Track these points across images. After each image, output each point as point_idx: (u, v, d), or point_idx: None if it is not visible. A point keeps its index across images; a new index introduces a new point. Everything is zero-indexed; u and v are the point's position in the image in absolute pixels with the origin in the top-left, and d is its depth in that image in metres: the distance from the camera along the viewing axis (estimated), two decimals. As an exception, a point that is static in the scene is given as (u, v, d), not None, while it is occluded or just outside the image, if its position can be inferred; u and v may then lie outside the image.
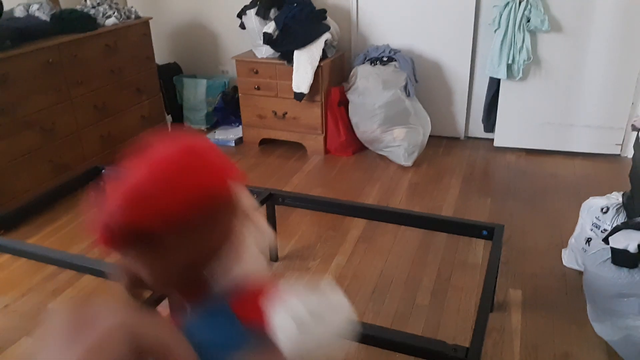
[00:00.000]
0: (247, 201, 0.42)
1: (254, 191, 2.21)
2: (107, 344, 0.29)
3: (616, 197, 2.23)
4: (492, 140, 3.54)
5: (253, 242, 0.42)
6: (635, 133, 2.36)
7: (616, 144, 3.32)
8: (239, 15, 3.53)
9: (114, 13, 3.36)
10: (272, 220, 2.24)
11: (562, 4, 3.10)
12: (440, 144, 3.62)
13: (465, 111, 3.63)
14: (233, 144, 3.68)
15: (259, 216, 0.46)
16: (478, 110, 3.60)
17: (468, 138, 3.73)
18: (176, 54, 4.20)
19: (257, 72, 3.48)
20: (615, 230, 1.91)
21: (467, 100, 3.60)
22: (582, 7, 3.08)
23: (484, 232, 1.97)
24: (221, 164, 0.41)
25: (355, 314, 0.45)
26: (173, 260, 0.36)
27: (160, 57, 4.12)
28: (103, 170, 2.51)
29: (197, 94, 3.94)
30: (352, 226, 2.58)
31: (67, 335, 0.29)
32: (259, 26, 3.44)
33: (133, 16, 3.47)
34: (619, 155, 3.34)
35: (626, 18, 3.05)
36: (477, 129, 3.67)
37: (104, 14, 3.30)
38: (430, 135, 3.46)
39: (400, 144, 3.29)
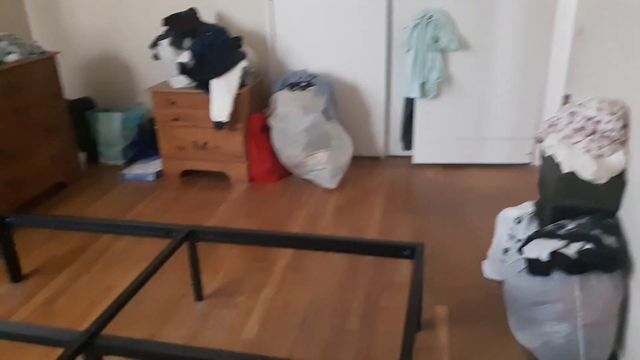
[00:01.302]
0: None
1: (173, 229, 2.13)
2: None
3: (528, 207, 2.33)
4: (411, 157, 3.64)
5: None
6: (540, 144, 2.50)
7: (526, 154, 3.51)
8: (152, 46, 3.45)
9: (15, 49, 3.19)
10: (194, 258, 2.16)
11: (467, 23, 3.26)
12: (363, 164, 3.67)
13: (384, 131, 3.71)
14: (152, 178, 3.55)
15: None
16: (396, 129, 3.70)
17: (388, 157, 3.81)
18: (88, 87, 4.03)
19: (174, 103, 3.40)
20: (528, 240, 2.00)
21: (385, 120, 3.69)
22: (486, 26, 3.25)
23: (406, 252, 1.99)
24: None
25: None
26: None
27: (72, 91, 3.94)
28: (8, 219, 2.34)
29: (112, 128, 3.79)
30: (279, 256, 2.54)
31: None
32: (173, 56, 3.37)
33: (37, 52, 3.29)
34: (530, 164, 3.52)
35: (526, 35, 3.25)
36: (396, 148, 3.77)
37: (4, 51, 3.12)
38: (352, 156, 3.51)
39: (324, 167, 3.31)
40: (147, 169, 3.63)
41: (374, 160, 3.76)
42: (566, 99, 2.97)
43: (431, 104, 3.44)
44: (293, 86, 3.46)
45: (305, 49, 3.60)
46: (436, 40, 3.25)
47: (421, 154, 3.60)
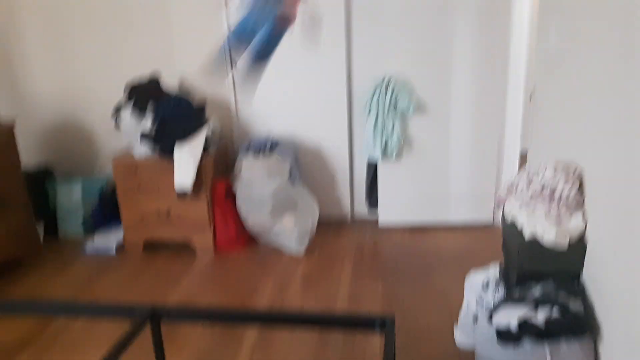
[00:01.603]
0: None
1: (134, 309, 2.04)
2: None
3: (494, 270, 2.35)
4: (377, 219, 3.66)
5: None
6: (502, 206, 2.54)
7: (488, 213, 3.57)
8: (114, 114, 3.42)
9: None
10: (157, 340, 2.06)
11: (424, 88, 3.37)
12: (329, 228, 3.66)
13: (349, 193, 3.74)
14: (114, 252, 3.43)
15: None
16: (361, 191, 3.73)
17: (354, 219, 3.82)
18: (48, 155, 3.94)
19: (136, 171, 3.35)
20: (496, 307, 2.00)
21: (350, 183, 3.72)
22: (443, 90, 3.37)
23: (376, 325, 1.95)
24: None
25: None
26: None
27: (30, 158, 3.84)
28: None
29: (72, 197, 3.70)
30: (246, 332, 2.45)
31: None
32: (135, 125, 3.35)
33: (-7, 121, 3.23)
34: (493, 223, 3.58)
35: (481, 98, 3.37)
36: (362, 210, 3.78)
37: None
38: (318, 220, 3.50)
39: (290, 232, 3.28)
40: (108, 239, 3.52)
41: (340, 222, 3.76)
42: (524, 159, 3.07)
43: (394, 166, 3.50)
44: (257, 151, 3.47)
45: (269, 113, 3.64)
46: (395, 104, 3.34)
47: (386, 215, 3.62)
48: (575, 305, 1.87)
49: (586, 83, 2.02)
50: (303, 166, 3.62)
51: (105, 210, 3.70)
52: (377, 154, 3.43)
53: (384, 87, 3.34)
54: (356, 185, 3.75)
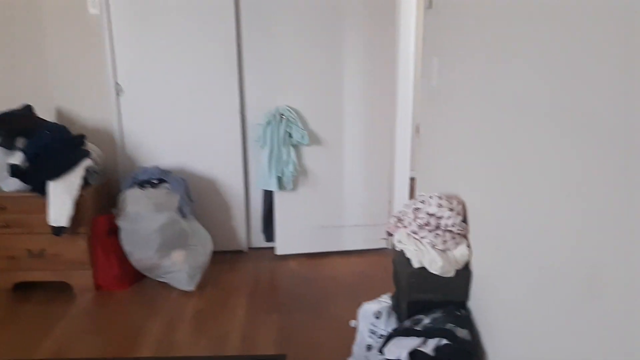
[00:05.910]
0: None
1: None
2: None
3: (386, 300, 2.36)
4: (274, 248, 3.59)
5: None
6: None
7: (382, 239, 3.64)
8: (-23, 145, 3.08)
9: None
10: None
11: (316, 121, 3.39)
12: (225, 259, 3.53)
13: (245, 224, 3.64)
14: (-23, 296, 3.06)
15: None
16: (258, 221, 3.65)
17: (251, 249, 3.72)
18: None
19: (4, 208, 3.02)
20: (387, 339, 1.99)
21: (246, 213, 3.63)
22: (334, 123, 3.41)
23: (268, 367, 1.88)
24: None
25: None
26: None
27: None
28: None
29: None
30: (128, 380, 2.26)
31: None
32: (2, 157, 3.03)
33: None
34: (387, 248, 3.65)
35: (371, 130, 3.45)
36: (259, 240, 3.70)
37: None
38: (214, 251, 3.36)
39: (181, 267, 3.11)
40: (-32, 285, 3.12)
41: (237, 254, 3.64)
42: (413, 185, 3.16)
43: (289, 196, 3.46)
44: (144, 183, 3.28)
45: (156, 144, 3.47)
46: (289, 135, 3.32)
47: (283, 245, 3.56)
48: (462, 334, 1.91)
49: (461, 121, 2.12)
50: (196, 198, 3.47)
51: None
52: (273, 185, 3.37)
53: (277, 119, 3.31)
54: (252, 215, 3.67)
